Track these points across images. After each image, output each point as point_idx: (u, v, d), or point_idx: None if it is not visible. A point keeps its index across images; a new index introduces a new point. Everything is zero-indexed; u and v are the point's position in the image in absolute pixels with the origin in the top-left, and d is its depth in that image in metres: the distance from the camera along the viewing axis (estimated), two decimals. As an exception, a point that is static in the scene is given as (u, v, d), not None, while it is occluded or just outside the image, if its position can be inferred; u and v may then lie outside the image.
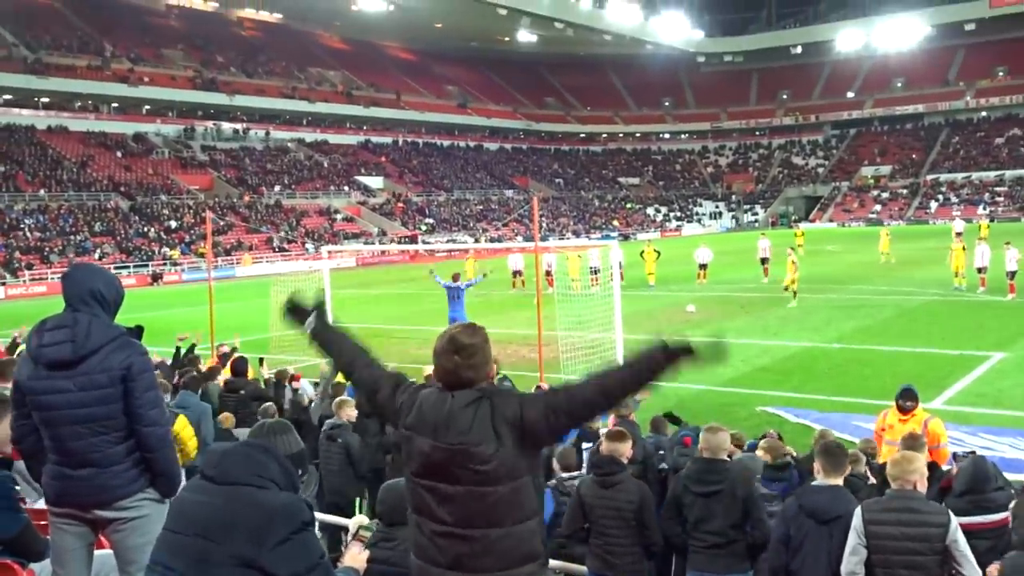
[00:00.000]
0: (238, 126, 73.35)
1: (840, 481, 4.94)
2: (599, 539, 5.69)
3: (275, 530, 2.72)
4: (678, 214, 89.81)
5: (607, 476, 5.69)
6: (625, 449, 5.89)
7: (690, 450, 6.82)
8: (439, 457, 2.94)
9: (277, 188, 66.00)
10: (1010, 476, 6.12)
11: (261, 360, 13.35)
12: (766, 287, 29.67)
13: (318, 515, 5.80)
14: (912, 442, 6.13)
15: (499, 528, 2.91)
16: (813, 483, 5.00)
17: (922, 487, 4.59)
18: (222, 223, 54.68)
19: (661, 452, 7.37)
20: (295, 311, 3.54)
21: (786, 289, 24.38)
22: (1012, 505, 4.71)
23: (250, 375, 11.06)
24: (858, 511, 4.57)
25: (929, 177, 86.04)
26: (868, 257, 37.75)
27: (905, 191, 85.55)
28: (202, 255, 48.35)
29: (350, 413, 8.12)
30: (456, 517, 2.93)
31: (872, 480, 6.09)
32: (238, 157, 69.19)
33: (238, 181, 65.25)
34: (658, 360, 2.89)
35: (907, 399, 7.75)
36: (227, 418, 8.82)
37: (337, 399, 8.40)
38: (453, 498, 2.93)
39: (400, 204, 71.54)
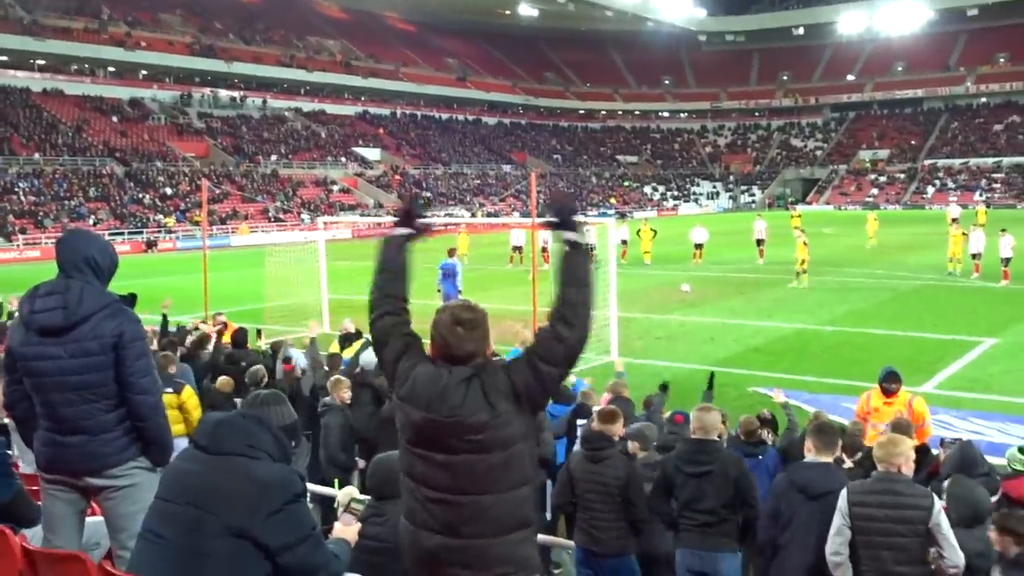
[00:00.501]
0: (235, 94, 72.84)
1: (831, 459, 4.99)
2: (585, 513, 5.74)
3: (268, 501, 2.73)
4: (675, 193, 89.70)
5: (596, 451, 5.74)
6: (616, 429, 5.95)
7: (680, 428, 6.87)
8: (432, 428, 2.97)
9: (274, 157, 65.69)
10: (996, 461, 6.17)
11: (259, 332, 13.34)
12: (761, 268, 29.72)
13: (310, 486, 5.82)
14: (901, 426, 6.17)
15: (490, 495, 2.95)
16: (805, 460, 5.07)
17: (907, 470, 4.63)
18: (218, 191, 54.46)
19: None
20: (410, 213, 3.41)
21: (804, 271, 24.41)
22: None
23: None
24: (843, 492, 4.63)
25: (927, 162, 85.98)
26: (864, 241, 37.84)
27: (902, 175, 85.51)
28: (197, 223, 48.17)
29: (343, 395, 8.03)
30: (449, 484, 2.96)
31: (848, 463, 6.15)
32: (235, 125, 68.82)
33: (234, 149, 64.92)
34: (566, 252, 3.04)
35: (891, 382, 7.77)
36: (227, 382, 8.79)
37: (333, 378, 8.32)
38: (446, 466, 2.96)
39: (397, 176, 71.27)
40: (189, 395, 7.86)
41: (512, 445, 2.95)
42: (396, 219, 3.42)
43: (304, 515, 2.84)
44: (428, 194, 69.53)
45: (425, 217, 3.45)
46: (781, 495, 4.97)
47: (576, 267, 3.03)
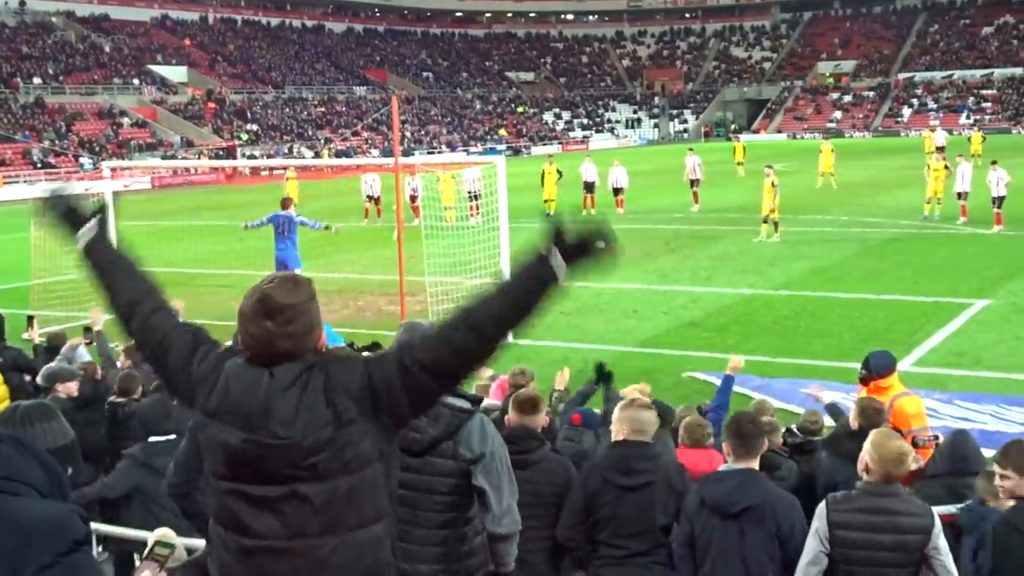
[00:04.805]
0: (-21, -8, 70.10)
1: (753, 464, 5.11)
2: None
3: (36, 553, 2.64)
4: (585, 122, 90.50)
5: (522, 454, 5.67)
6: (540, 420, 5.93)
7: (578, 431, 6.92)
8: (252, 454, 2.89)
9: (37, 80, 63.99)
10: (991, 453, 6.42)
11: (31, 319, 12.89)
12: (696, 217, 30.34)
13: (102, 527, 5.67)
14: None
15: (333, 536, 2.90)
16: (720, 469, 5.19)
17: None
18: (-41, 128, 52.59)
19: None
20: (70, 213, 3.41)
21: (765, 220, 24.94)
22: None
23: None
24: (821, 510, 4.77)
25: (901, 76, 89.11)
26: (816, 179, 38.94)
27: (872, 94, 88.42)
28: (-69, 173, 46.33)
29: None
30: (274, 527, 2.90)
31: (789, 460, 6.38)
32: (-20, 36, 66.29)
33: (-19, 70, 62.60)
34: (538, 272, 2.88)
35: (863, 367, 7.91)
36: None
37: (123, 373, 8.17)
38: (270, 502, 2.90)
39: (211, 104, 70.18)
40: None
41: (363, 468, 2.91)
42: (63, 225, 3.41)
43: (87, 569, 2.76)
44: (255, 127, 68.26)
45: (74, 205, 3.43)
46: (693, 516, 5.09)
47: (536, 292, 2.89)
